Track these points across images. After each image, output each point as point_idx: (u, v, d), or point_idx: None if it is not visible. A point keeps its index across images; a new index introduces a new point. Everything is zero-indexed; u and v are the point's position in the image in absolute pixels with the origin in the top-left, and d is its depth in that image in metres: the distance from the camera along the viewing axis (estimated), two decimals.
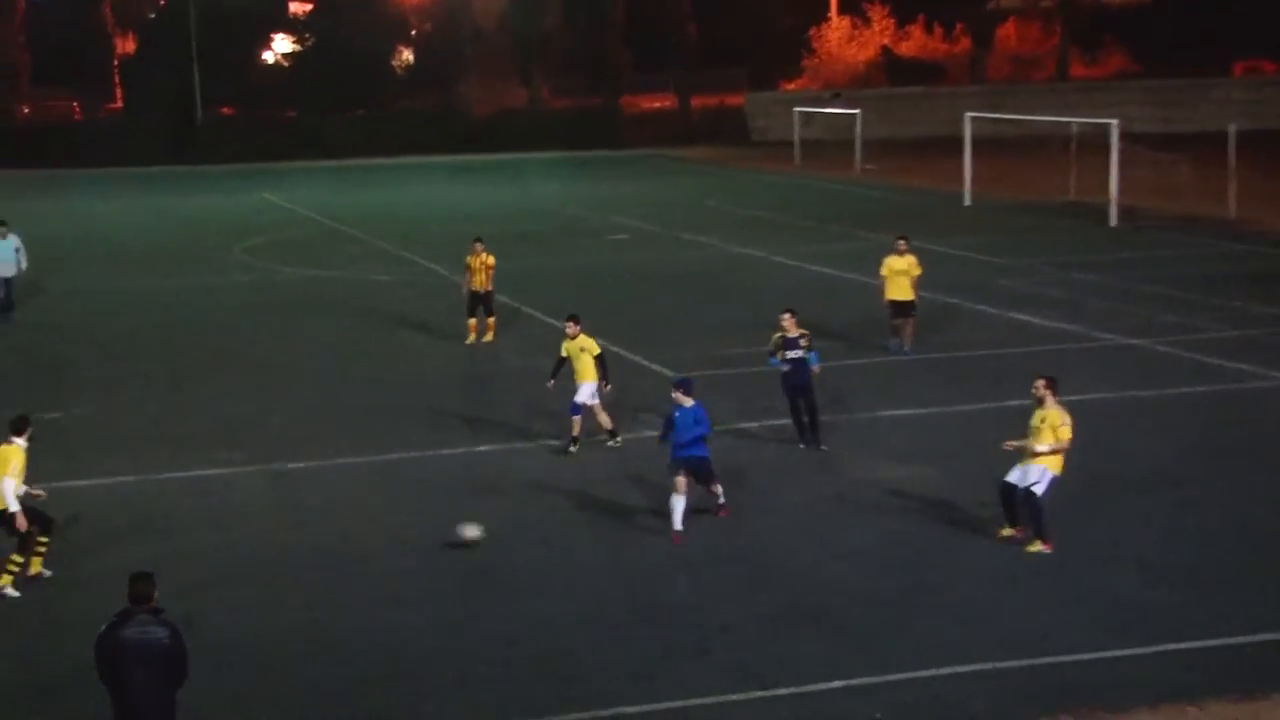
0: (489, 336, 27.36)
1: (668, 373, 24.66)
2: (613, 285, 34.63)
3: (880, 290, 25.63)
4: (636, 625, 14.03)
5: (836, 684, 12.69)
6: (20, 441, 15.10)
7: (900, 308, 25.34)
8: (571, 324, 20.15)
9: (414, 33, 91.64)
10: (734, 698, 12.47)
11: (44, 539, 15.14)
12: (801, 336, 19.75)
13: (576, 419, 19.79)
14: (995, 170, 54.55)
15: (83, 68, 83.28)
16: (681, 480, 16.29)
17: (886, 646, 13.46)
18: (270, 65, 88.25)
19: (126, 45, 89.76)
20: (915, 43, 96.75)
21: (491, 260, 27.30)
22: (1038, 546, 15.75)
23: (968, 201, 49.82)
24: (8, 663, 13.26)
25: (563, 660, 13.27)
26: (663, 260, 38.47)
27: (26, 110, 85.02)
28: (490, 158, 75.44)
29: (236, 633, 13.88)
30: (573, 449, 19.80)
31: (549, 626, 14.01)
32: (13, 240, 29.75)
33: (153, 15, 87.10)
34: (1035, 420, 15.78)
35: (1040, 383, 15.87)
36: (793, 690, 12.59)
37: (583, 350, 19.87)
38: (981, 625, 13.94)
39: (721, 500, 16.95)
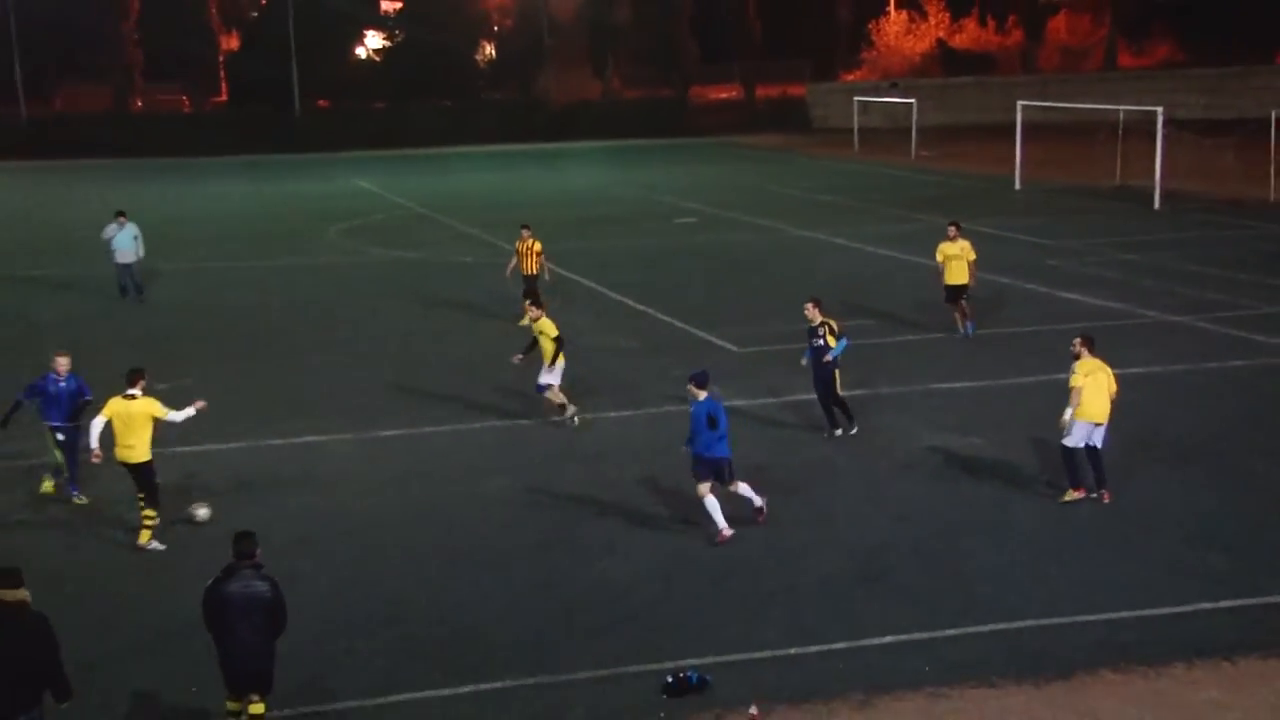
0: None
1: (732, 348, 24.67)
2: (680, 266, 34.59)
3: (938, 275, 25.32)
4: (704, 585, 14.07)
5: (888, 639, 12.68)
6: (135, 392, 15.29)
7: (954, 291, 25.05)
8: (533, 308, 19.95)
9: (495, 28, 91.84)
10: (790, 651, 12.49)
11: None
12: (823, 325, 18.83)
13: (547, 395, 19.68)
14: (1045, 156, 53.86)
15: (190, 64, 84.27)
16: (704, 486, 15.19)
17: (938, 604, 13.42)
18: (362, 60, 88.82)
19: (231, 42, 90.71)
20: (969, 35, 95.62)
21: (539, 246, 27.05)
22: (1069, 495, 16.09)
23: (1018, 186, 49.21)
24: (128, 613, 13.53)
25: (630, 618, 13.33)
26: (728, 242, 38.36)
27: (140, 104, 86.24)
28: (566, 145, 75.59)
29: (331, 588, 14.08)
30: (574, 420, 19.62)
31: (619, 586, 14.08)
32: (131, 229, 29.95)
33: (255, 14, 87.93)
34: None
35: (1077, 340, 16.27)
36: (846, 645, 12.60)
37: (541, 333, 19.67)
38: (1028, 584, 13.85)
39: (758, 504, 15.56)
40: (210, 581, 10.71)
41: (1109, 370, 16.10)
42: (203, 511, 16.07)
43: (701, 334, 25.91)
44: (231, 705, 10.85)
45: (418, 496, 16.96)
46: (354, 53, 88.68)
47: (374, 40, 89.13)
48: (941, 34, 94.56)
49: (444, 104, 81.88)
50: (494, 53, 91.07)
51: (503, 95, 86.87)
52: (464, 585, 14.16)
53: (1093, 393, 15.78)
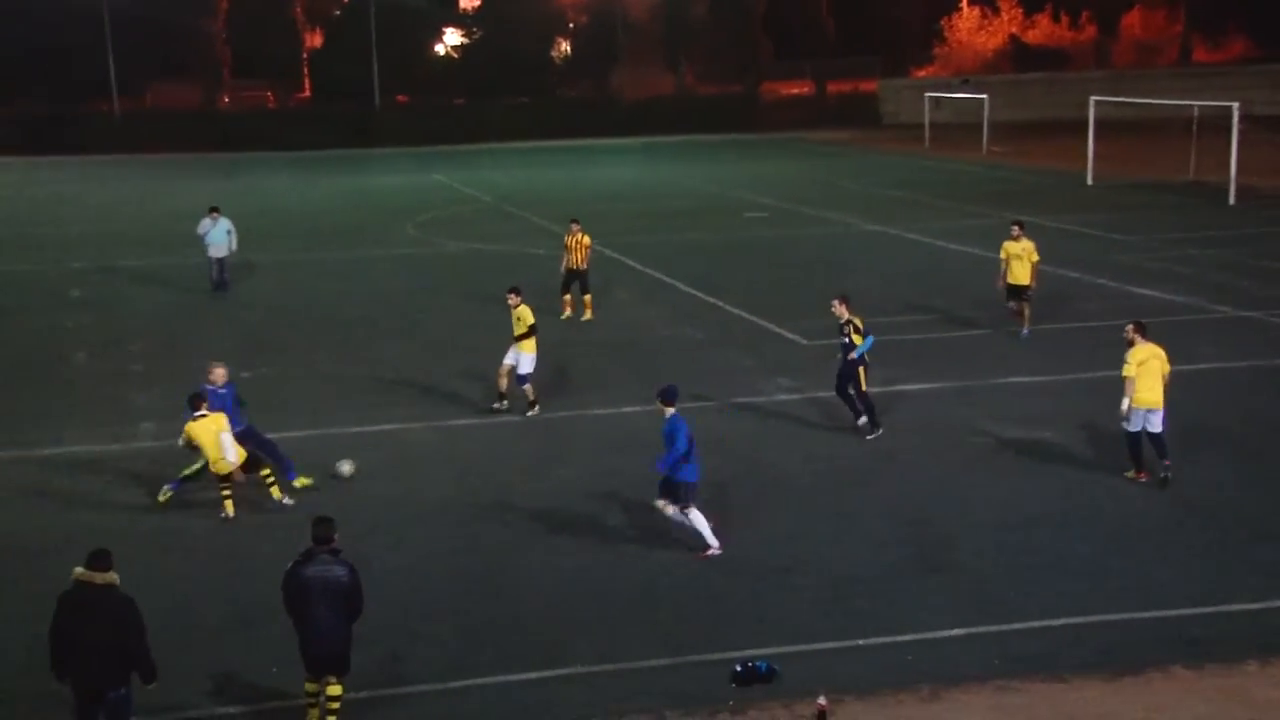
0: (588, 314, 26.47)
1: (800, 341, 24.50)
2: (750, 259, 34.42)
3: (998, 273, 24.72)
4: (771, 574, 13.97)
5: (957, 632, 12.51)
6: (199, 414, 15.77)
7: (1014, 291, 24.45)
8: (512, 295, 19.75)
9: (571, 25, 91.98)
10: (858, 642, 12.36)
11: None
12: (848, 323, 18.44)
13: (527, 387, 19.66)
14: (1117, 152, 52.99)
15: (276, 61, 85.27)
16: (671, 507, 14.34)
17: (1007, 597, 13.22)
18: (441, 57, 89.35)
19: (314, 40, 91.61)
20: (1042, 30, 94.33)
21: (587, 240, 26.59)
22: (1132, 474, 16.42)
23: (1090, 181, 48.43)
24: (209, 596, 13.67)
25: (698, 607, 13.27)
26: (798, 236, 38.12)
27: (227, 100, 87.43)
28: (639, 141, 75.55)
29: (406, 573, 14.14)
30: (531, 412, 19.67)
31: (686, 575, 14.01)
32: (224, 223, 30.06)
33: (338, 12, 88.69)
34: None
35: (1130, 327, 16.51)
36: (915, 636, 12.44)
37: (519, 320, 19.55)
38: (1095, 578, 13.61)
39: (708, 542, 14.28)
40: (290, 565, 10.79)
41: (1163, 354, 16.24)
42: (346, 467, 16.73)
43: (770, 326, 25.76)
44: (309, 686, 10.93)
45: (488, 483, 16.99)
46: (433, 50, 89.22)
47: (452, 37, 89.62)
48: (1014, 29, 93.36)
49: (520, 100, 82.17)
50: (569, 49, 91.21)
51: (577, 91, 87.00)
52: (533, 571, 14.16)
53: (1146, 380, 16.04)
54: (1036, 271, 24.22)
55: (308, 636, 10.69)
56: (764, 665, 11.78)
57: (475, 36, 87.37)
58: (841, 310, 18.58)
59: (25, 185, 56.99)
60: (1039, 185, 49.27)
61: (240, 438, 16.20)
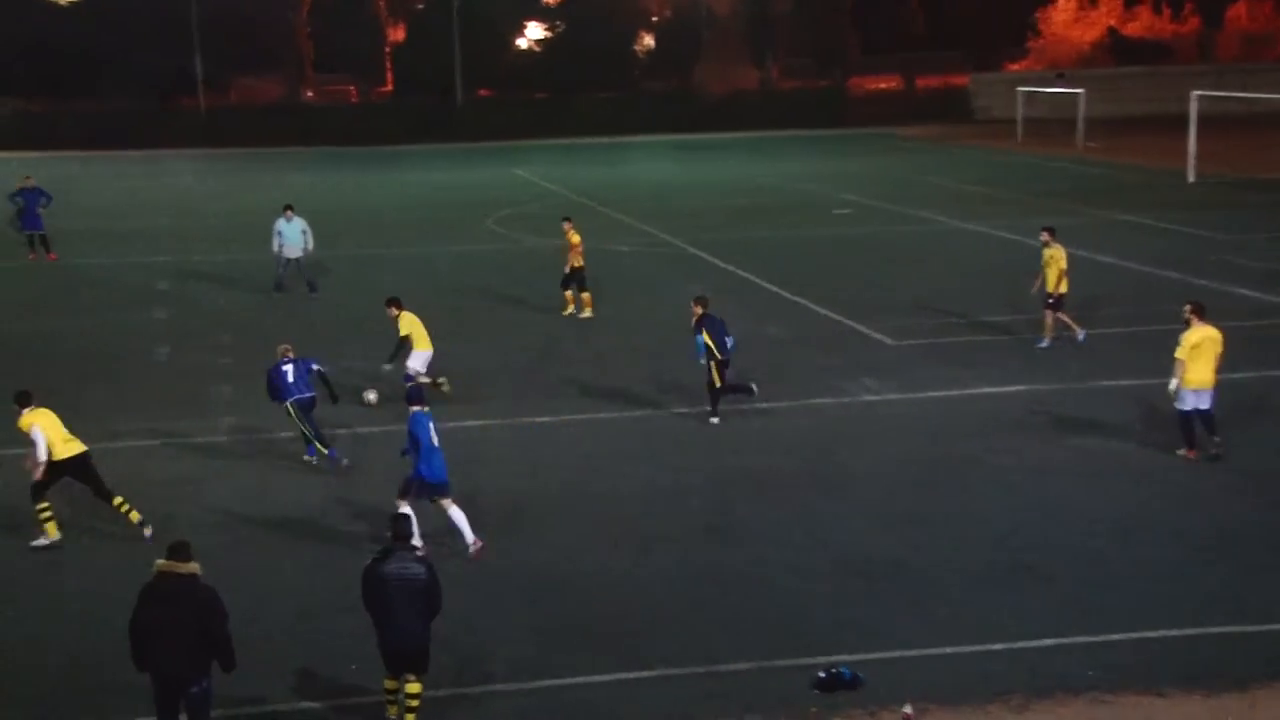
0: (587, 312, 26.83)
1: (886, 340, 24.29)
2: (835, 257, 34.21)
3: (1040, 279, 24.01)
4: (856, 579, 13.87)
5: (1048, 641, 12.33)
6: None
7: (1047, 298, 23.69)
8: (393, 307, 20.28)
9: (654, 19, 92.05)
10: (945, 650, 12.23)
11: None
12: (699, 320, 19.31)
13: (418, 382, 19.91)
14: (1221, 149, 51.90)
15: (358, 55, 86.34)
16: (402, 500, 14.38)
17: (1101, 606, 12.99)
18: (523, 50, 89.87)
19: (397, 34, 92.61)
20: (1142, 23, 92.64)
21: (575, 239, 26.72)
22: (1183, 452, 17.13)
23: (1191, 178, 47.48)
24: (282, 592, 13.86)
25: (781, 610, 13.20)
26: (884, 234, 37.82)
27: (310, 94, 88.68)
28: (723, 136, 75.42)
29: (486, 570, 14.21)
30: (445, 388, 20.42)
31: (770, 578, 13.96)
32: (299, 222, 29.95)
33: (421, 6, 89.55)
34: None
35: (1188, 307, 17.24)
36: (1004, 645, 12.28)
37: (411, 329, 20.18)
38: (1191, 588, 13.35)
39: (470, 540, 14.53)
40: (369, 562, 10.91)
41: (1218, 336, 16.97)
42: (372, 395, 18.45)
43: (855, 325, 25.58)
44: (389, 684, 11.04)
45: (568, 481, 17.05)
46: (515, 44, 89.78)
47: (535, 31, 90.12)
48: (1113, 22, 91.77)
49: (603, 94, 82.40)
50: (653, 44, 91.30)
51: (661, 86, 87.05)
52: (614, 571, 14.19)
53: (1198, 362, 16.76)
54: (1062, 279, 23.33)
55: (386, 634, 10.79)
56: (848, 671, 11.70)
57: (558, 30, 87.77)
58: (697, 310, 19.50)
59: (113, 179, 58.23)
60: (1136, 182, 48.41)
61: (303, 405, 17.44)
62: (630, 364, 22.89)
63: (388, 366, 20.30)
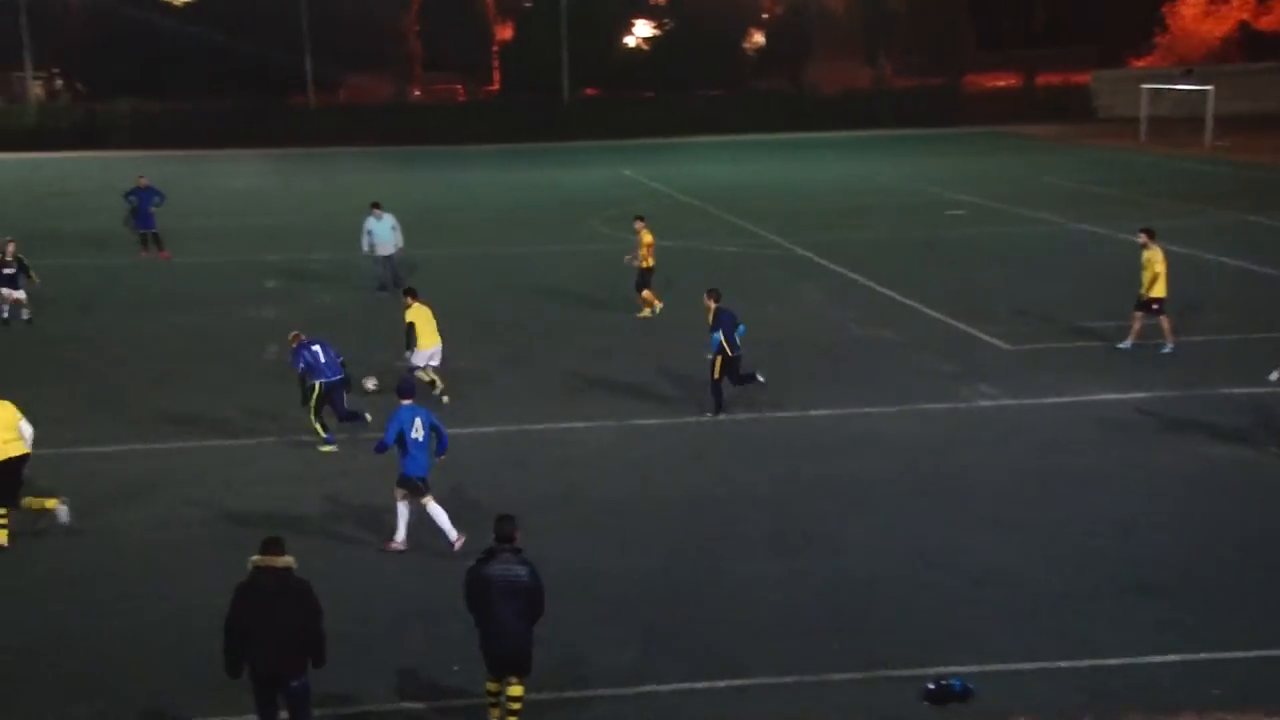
0: (646, 312, 27.11)
1: (1002, 345, 23.95)
2: (949, 259, 33.79)
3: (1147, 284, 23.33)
4: (966, 589, 13.68)
5: (1172, 657, 12.05)
6: None
7: (1146, 302, 23.14)
8: (409, 298, 21.06)
9: (765, 16, 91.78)
10: (1060, 664, 12.01)
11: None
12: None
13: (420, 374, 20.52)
14: None
15: (466, 54, 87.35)
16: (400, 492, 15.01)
17: (1229, 623, 12.67)
18: (631, 49, 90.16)
19: (505, 33, 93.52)
20: (1278, 16, 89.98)
21: (649, 238, 26.90)
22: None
23: None
24: (385, 593, 14.05)
25: (888, 619, 13.08)
26: (1000, 235, 37.27)
27: (418, 93, 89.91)
28: (834, 135, 74.93)
29: (588, 573, 14.27)
30: (444, 398, 20.71)
31: (874, 586, 13.84)
32: (388, 219, 30.14)
33: (528, 4, 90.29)
34: None
35: None
36: (1123, 660, 12.02)
37: (417, 319, 20.81)
38: None
39: (396, 536, 15.03)
40: (472, 563, 11.00)
41: None
42: (370, 383, 19.18)
43: (969, 329, 25.25)
44: (491, 686, 11.14)
45: (672, 485, 17.05)
46: (622, 42, 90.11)
47: (643, 29, 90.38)
48: (1245, 16, 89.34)
49: (712, 92, 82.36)
50: (763, 41, 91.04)
51: (771, 84, 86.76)
52: (714, 576, 14.16)
53: None
54: (1156, 283, 22.83)
55: (489, 635, 10.88)
56: (959, 683, 11.55)
57: (666, 28, 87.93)
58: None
59: (225, 178, 59.54)
60: (1268, 183, 47.11)
61: (333, 387, 18.49)
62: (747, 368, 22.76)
63: (408, 354, 20.88)
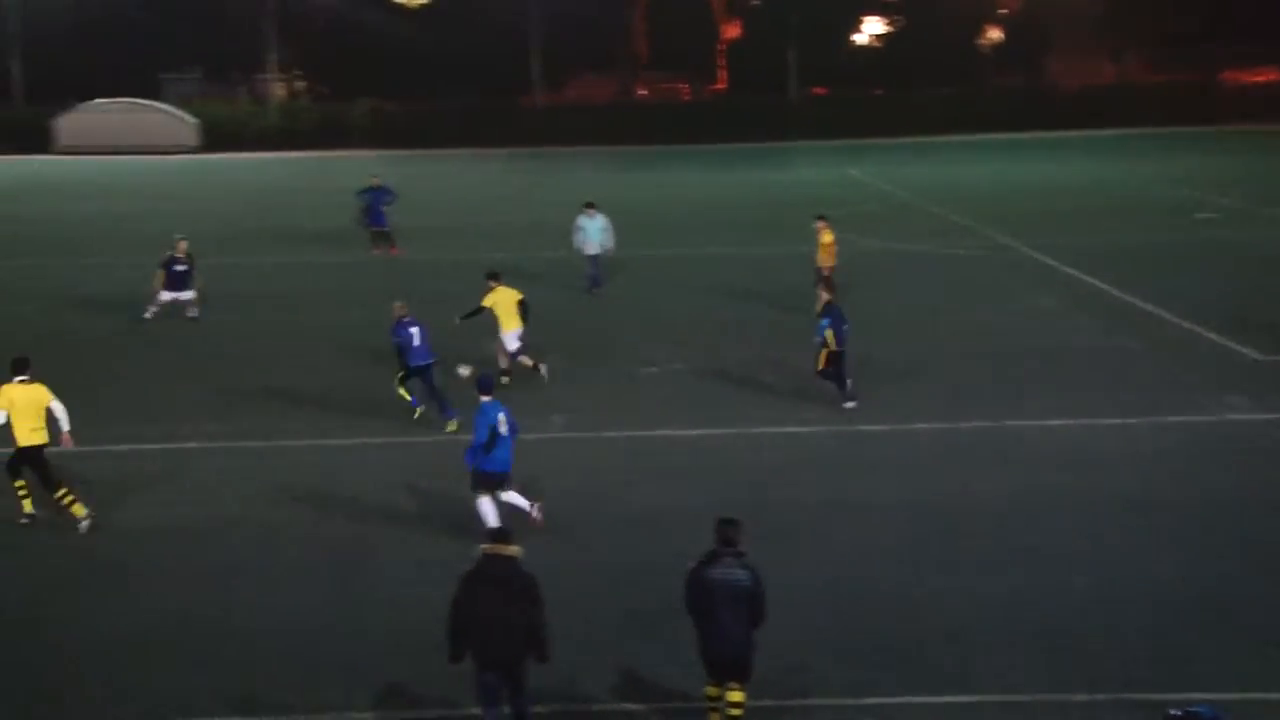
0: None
1: (1255, 355, 22.91)
2: (1197, 264, 32.45)
3: None
4: (1204, 611, 13.13)
5: None
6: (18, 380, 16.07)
7: None
8: (491, 281, 22.34)
9: (1002, 11, 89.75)
10: None
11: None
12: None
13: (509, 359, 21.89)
14: None
15: (692, 53, 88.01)
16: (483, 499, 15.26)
17: None
18: (861, 46, 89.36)
19: (732, 31, 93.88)
20: None
21: (829, 238, 27.13)
22: None
23: None
24: (609, 592, 14.26)
25: (1116, 638, 12.65)
26: (1257, 240, 35.58)
27: (643, 93, 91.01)
28: (1075, 134, 72.77)
29: (807, 582, 14.17)
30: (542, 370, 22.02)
31: (1102, 602, 13.41)
32: (599, 220, 30.51)
33: (756, 3, 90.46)
34: None
35: None
36: None
37: (496, 304, 22.01)
38: None
39: (531, 510, 15.57)
40: (694, 565, 11.06)
41: None
42: (464, 370, 19.21)
43: (1217, 338, 24.21)
44: (711, 691, 11.19)
45: (893, 494, 16.78)
46: (852, 40, 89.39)
47: (874, 26, 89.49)
48: None
49: (945, 91, 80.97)
50: (1001, 37, 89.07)
51: (1008, 81, 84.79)
52: (937, 589, 13.90)
53: None
54: None
55: (709, 639, 10.94)
56: (1207, 710, 11.06)
57: (898, 25, 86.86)
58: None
59: (454, 177, 61.31)
60: None
61: (421, 370, 19.73)
62: (981, 376, 22.38)
63: (459, 320, 22.28)
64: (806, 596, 13.78)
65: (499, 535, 10.86)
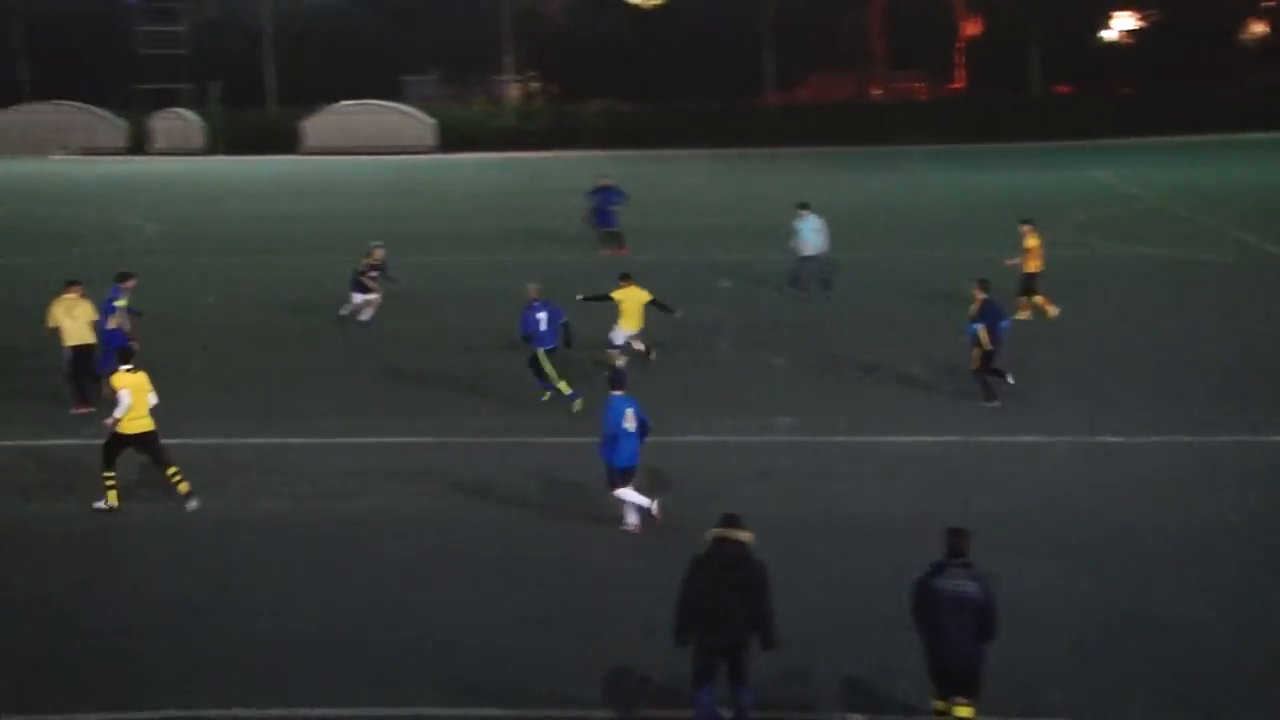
0: (1024, 315, 26.64)
1: None
2: None
3: None
4: None
5: None
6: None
7: None
8: (623, 281, 23.18)
9: (1267, 3, 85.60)
10: None
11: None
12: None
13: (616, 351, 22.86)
14: None
15: (931, 51, 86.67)
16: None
17: None
18: (1109, 42, 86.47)
19: (972, 28, 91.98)
20: None
21: (1034, 242, 26.87)
22: None
23: None
24: (838, 599, 14.21)
25: None
26: None
27: (879, 92, 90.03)
28: None
29: (1040, 597, 13.89)
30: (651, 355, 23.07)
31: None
32: (812, 221, 30.45)
33: None
34: None
35: None
36: None
37: (623, 300, 23.02)
38: None
39: (627, 520, 15.95)
40: (921, 576, 10.96)
41: None
42: (620, 360, 20.50)
43: None
44: (938, 705, 11.07)
45: (1132, 509, 16.31)
46: (1098, 36, 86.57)
47: (1124, 21, 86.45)
48: None
49: (1202, 88, 77.58)
50: (1265, 30, 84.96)
51: (1274, 77, 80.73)
52: (1180, 610, 13.47)
53: None
54: None
55: (936, 652, 10.85)
56: None
57: (1151, 19, 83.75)
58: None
59: (686, 177, 61.74)
60: None
61: (548, 353, 20.75)
62: (1204, 383, 21.55)
63: (580, 297, 23.63)
64: (1044, 615, 13.43)
65: (729, 520, 11.07)
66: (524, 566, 15.17)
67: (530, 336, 21.03)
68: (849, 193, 49.05)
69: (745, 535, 10.95)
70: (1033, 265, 27.02)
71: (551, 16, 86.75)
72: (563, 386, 20.94)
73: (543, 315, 20.99)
